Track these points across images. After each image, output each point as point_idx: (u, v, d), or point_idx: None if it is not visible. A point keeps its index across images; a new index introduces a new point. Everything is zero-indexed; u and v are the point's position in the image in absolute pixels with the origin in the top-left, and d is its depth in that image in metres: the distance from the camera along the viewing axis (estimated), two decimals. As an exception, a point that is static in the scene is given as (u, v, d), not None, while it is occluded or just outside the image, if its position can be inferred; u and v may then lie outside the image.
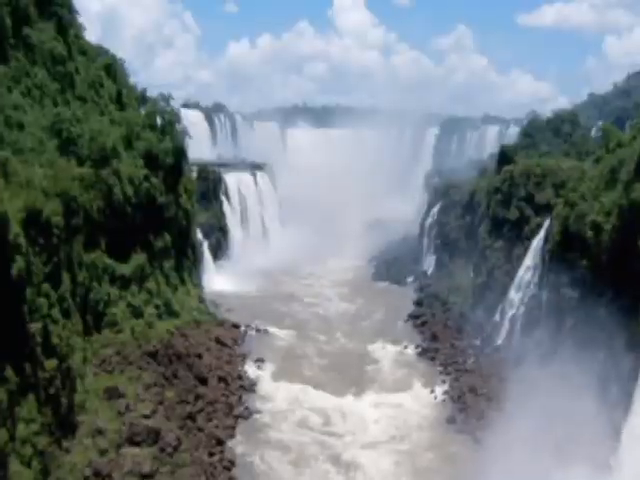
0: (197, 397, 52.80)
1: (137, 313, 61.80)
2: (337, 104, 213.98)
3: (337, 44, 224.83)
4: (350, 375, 63.00)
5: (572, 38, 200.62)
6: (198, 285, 79.04)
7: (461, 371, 64.49)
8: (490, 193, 75.04)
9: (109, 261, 59.37)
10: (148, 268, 65.53)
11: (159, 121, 74.49)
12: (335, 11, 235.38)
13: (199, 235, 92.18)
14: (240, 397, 56.62)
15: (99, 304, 56.62)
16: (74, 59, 64.84)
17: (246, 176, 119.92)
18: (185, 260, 76.02)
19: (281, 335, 75.52)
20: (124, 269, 61.62)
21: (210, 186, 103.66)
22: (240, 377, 60.13)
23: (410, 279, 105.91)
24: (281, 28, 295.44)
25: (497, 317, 68.36)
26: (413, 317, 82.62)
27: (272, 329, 77.00)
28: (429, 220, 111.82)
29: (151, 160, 67.31)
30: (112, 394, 48.33)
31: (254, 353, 67.61)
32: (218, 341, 66.81)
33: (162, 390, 51.52)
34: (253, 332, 75.14)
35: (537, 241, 64.89)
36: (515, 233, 69.07)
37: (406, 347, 72.21)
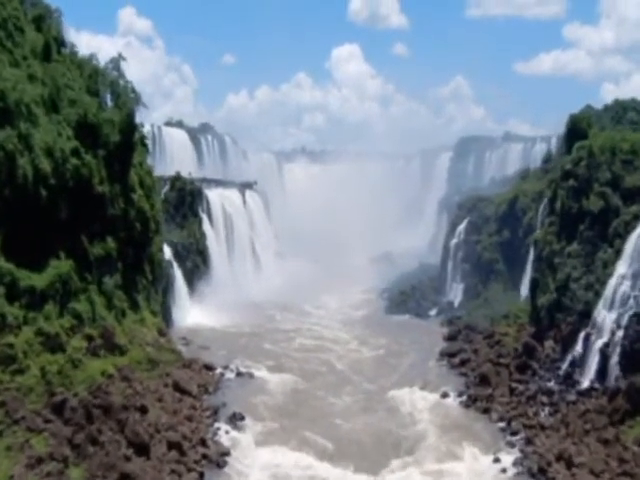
0: (123, 478, 31.88)
1: (54, 345, 41.59)
2: (336, 149, 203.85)
3: (335, 95, 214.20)
4: (375, 439, 42.30)
5: (569, 85, 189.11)
6: (159, 313, 58.77)
7: (534, 428, 43.92)
8: (556, 182, 55.40)
9: (7, 266, 39.52)
10: (77, 282, 45.56)
11: (110, 100, 55.91)
12: (332, 63, 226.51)
13: (168, 252, 72.46)
14: (201, 476, 35.61)
15: (-17, 329, 36.44)
16: (-27, -13, 46.34)
17: (232, 193, 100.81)
18: (140, 278, 56.02)
19: (272, 381, 54.78)
20: (35, 280, 41.74)
21: (187, 199, 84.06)
22: (204, 442, 39.18)
23: (433, 312, 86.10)
24: (279, 80, 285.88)
25: (579, 348, 48.05)
26: (447, 355, 62.45)
27: (259, 372, 56.42)
28: (454, 241, 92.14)
29: (86, 132, 48.07)
30: (-33, 477, 27.71)
31: (231, 405, 46.87)
32: (177, 388, 46.21)
33: (62, 467, 30.80)
34: (232, 376, 54.52)
35: (636, 238, 45.24)
36: (598, 231, 49.40)
37: (446, 395, 51.64)
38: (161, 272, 63.01)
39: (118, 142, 51.29)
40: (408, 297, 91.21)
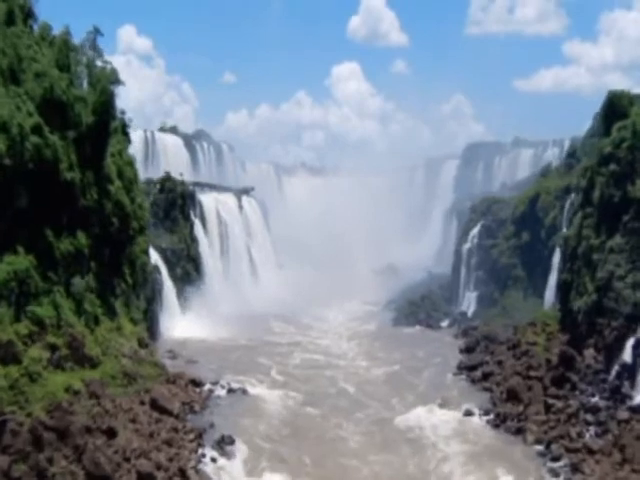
0: (73, 523, 24.91)
1: (6, 355, 34.80)
2: (336, 165, 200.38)
3: (335, 113, 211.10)
4: (391, 466, 35.03)
5: (569, 102, 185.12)
6: (141, 322, 51.91)
7: (580, 452, 36.86)
8: (592, 169, 48.73)
9: (-53, 258, 32.79)
10: (39, 281, 38.75)
11: (86, 84, 49.43)
12: (332, 81, 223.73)
13: (156, 258, 66.03)
14: (176, 516, 28.59)
15: None
16: None
17: (228, 198, 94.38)
18: (118, 281, 49.35)
19: (269, 400, 47.55)
20: (-16, 277, 34.98)
21: (177, 202, 77.46)
22: (183, 473, 32.06)
23: (445, 323, 79.88)
24: (279, 98, 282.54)
25: (627, 357, 41.23)
26: (466, 368, 55.55)
27: (254, 389, 49.28)
28: (466, 246, 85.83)
29: (53, 109, 41.59)
30: None
31: (219, 427, 39.76)
32: (156, 406, 39.15)
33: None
34: (223, 393, 47.46)
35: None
36: (645, 220, 42.69)
37: (469, 413, 44.58)
38: (145, 276, 56.27)
39: (91, 124, 44.78)
40: (417, 308, 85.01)
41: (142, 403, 39.04)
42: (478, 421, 43.57)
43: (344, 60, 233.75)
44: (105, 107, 45.87)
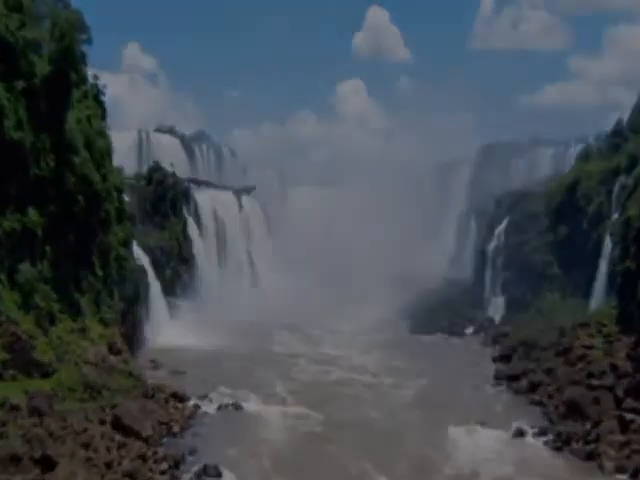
0: None
1: None
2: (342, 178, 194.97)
3: (340, 130, 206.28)
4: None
5: (574, 116, 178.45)
6: (115, 323, 42.99)
7: (683, 485, 27.57)
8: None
9: None
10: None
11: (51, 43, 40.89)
12: (337, 97, 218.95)
13: (142, 257, 57.55)
14: None
15: None
16: None
17: (226, 195, 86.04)
18: (85, 274, 40.52)
19: (270, 420, 38.33)
20: None
21: (168, 195, 68.88)
22: (145, 519, 22.97)
23: (469, 330, 71.09)
24: (284, 115, 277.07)
25: None
26: (507, 379, 46.72)
27: (250, 407, 40.12)
28: (492, 244, 76.76)
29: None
30: None
31: (202, 455, 30.59)
32: (119, 426, 30.07)
33: None
34: (212, 409, 38.40)
35: None
36: None
37: (521, 433, 35.52)
38: (122, 272, 47.49)
39: (48, 75, 36.36)
40: (436, 314, 76.06)
41: (102, 422, 30.03)
42: (534, 442, 34.67)
43: (348, 77, 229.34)
44: (65, 56, 37.36)
